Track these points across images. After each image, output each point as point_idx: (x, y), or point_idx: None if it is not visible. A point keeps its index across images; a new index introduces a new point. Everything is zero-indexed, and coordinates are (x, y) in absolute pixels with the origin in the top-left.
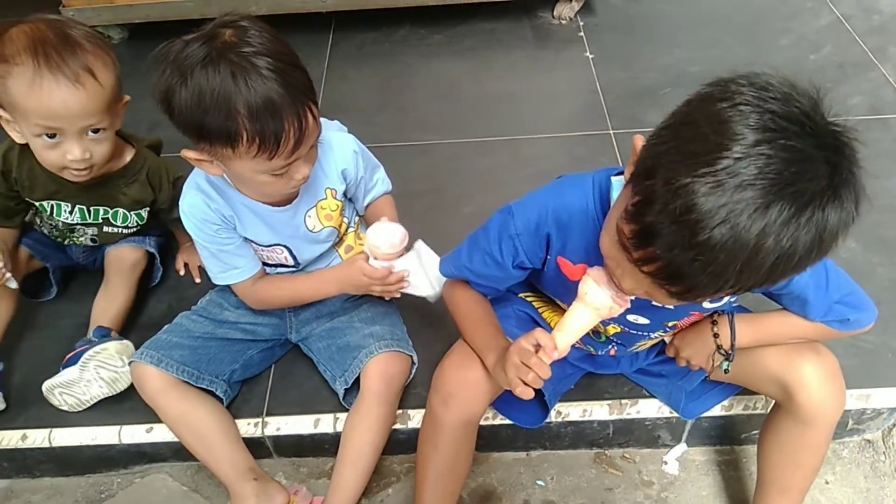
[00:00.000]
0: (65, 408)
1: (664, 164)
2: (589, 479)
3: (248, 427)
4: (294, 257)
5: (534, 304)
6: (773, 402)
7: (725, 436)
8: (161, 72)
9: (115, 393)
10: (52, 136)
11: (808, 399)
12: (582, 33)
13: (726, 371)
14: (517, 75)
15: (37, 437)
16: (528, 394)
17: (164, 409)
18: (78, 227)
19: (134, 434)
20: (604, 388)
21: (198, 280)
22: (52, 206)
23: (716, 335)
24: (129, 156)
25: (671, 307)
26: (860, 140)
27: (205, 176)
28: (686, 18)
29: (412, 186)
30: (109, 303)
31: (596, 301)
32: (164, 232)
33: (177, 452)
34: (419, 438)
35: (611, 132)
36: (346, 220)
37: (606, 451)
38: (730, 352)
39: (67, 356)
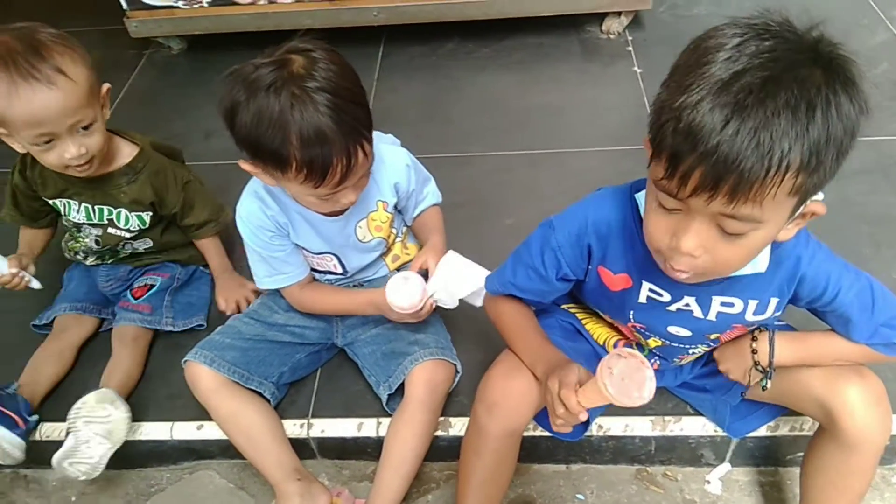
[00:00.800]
0: (83, 477)
1: (665, 96)
2: (629, 495)
3: (293, 428)
4: (342, 265)
5: (577, 315)
6: (818, 423)
7: (770, 456)
8: (230, 88)
9: (117, 446)
10: (48, 140)
11: (851, 424)
12: (630, 48)
13: (764, 388)
14: (564, 89)
15: None
16: (564, 429)
17: (215, 407)
18: (84, 226)
19: (185, 431)
20: (647, 404)
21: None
22: (63, 204)
23: (754, 351)
24: (130, 154)
25: (713, 319)
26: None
27: (262, 183)
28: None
29: (455, 198)
30: (113, 370)
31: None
32: (195, 273)
33: (225, 450)
34: (462, 446)
35: None
36: (394, 230)
37: (648, 468)
38: (767, 369)
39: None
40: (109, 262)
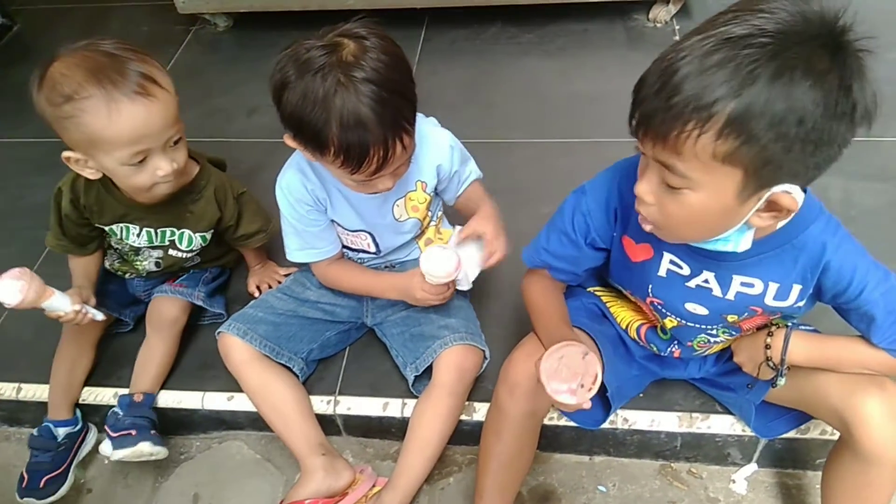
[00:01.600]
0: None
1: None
2: (652, 489)
3: (320, 404)
4: (376, 244)
5: (602, 297)
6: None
7: (799, 459)
8: (283, 65)
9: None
10: (142, 159)
11: (868, 437)
12: (677, 37)
13: (774, 385)
14: (607, 77)
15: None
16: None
17: (246, 379)
18: (144, 249)
19: (215, 401)
20: (674, 400)
21: None
22: (121, 228)
23: (767, 346)
24: (194, 171)
25: (731, 298)
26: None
27: (305, 158)
28: None
29: (493, 184)
30: (147, 361)
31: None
32: (222, 270)
33: (253, 422)
34: (483, 428)
35: None
36: (430, 213)
37: (672, 464)
38: (779, 366)
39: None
40: (145, 275)
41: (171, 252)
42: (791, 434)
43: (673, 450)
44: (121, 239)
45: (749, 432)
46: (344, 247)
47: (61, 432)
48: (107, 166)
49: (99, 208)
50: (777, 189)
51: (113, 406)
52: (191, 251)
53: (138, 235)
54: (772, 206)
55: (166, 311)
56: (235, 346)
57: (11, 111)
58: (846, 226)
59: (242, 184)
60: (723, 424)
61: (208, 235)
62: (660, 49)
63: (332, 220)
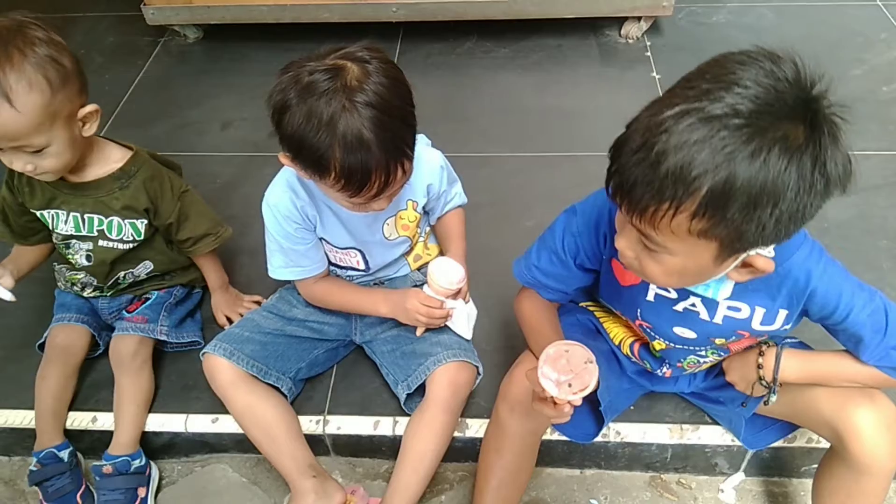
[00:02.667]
0: None
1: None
2: (643, 501)
3: (309, 424)
4: (366, 261)
5: (595, 313)
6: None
7: (785, 467)
8: (284, 87)
9: None
10: None
11: (860, 448)
12: (649, 53)
13: (767, 403)
14: (582, 92)
15: (105, 421)
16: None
17: (233, 400)
18: (73, 241)
19: (200, 423)
20: (664, 412)
21: None
22: (51, 215)
23: (760, 366)
24: (122, 159)
25: (719, 322)
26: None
27: (296, 174)
28: (755, 45)
29: (473, 198)
30: (122, 405)
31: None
32: (189, 291)
33: (238, 444)
34: (482, 445)
35: None
36: (419, 230)
37: (662, 475)
38: (771, 384)
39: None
40: (109, 294)
41: (102, 243)
42: (778, 443)
43: (663, 461)
44: (52, 228)
45: (738, 442)
46: (332, 264)
47: (65, 454)
48: None
49: (30, 189)
50: (752, 252)
51: (91, 431)
52: (122, 240)
53: (65, 222)
54: (747, 265)
55: (125, 347)
56: (221, 367)
57: None
58: (818, 238)
59: (188, 184)
60: (712, 435)
61: (140, 227)
62: (633, 65)
63: (321, 238)
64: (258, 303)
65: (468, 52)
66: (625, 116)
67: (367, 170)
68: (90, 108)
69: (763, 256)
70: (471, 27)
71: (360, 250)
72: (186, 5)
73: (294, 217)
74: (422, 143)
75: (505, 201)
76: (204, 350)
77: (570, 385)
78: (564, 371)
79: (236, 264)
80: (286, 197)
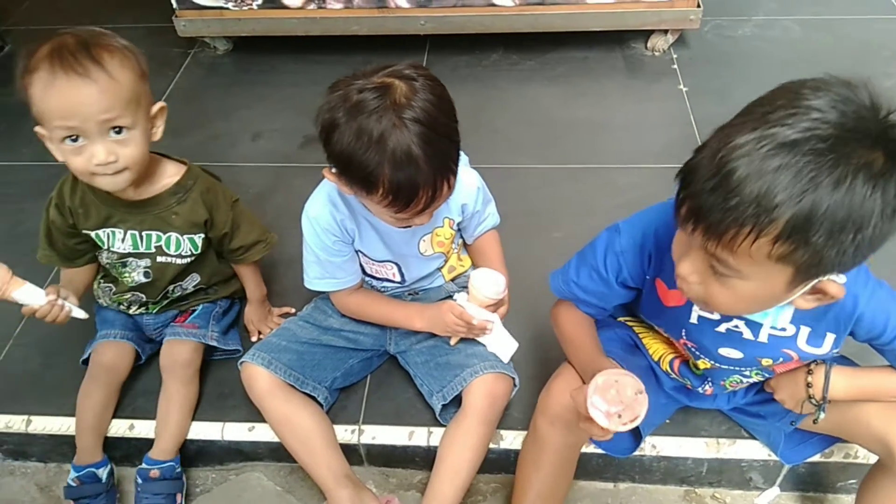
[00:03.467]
0: None
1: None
2: None
3: (344, 433)
4: (402, 274)
5: (634, 328)
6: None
7: (820, 483)
8: (333, 105)
9: None
10: (75, 139)
11: None
12: (675, 66)
13: (815, 422)
14: (609, 104)
15: (143, 429)
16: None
17: (270, 409)
18: (130, 259)
19: (236, 432)
20: (700, 426)
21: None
22: (107, 234)
23: (809, 384)
24: (178, 173)
25: (764, 341)
26: None
27: (335, 188)
28: (781, 58)
29: (503, 209)
30: (169, 410)
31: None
32: (231, 303)
33: (272, 452)
34: (520, 458)
35: None
36: (454, 246)
37: (697, 490)
38: (821, 402)
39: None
40: (154, 311)
41: (160, 259)
42: (815, 458)
43: (698, 475)
44: (108, 247)
45: (774, 457)
46: (367, 275)
47: (103, 473)
48: (54, 142)
49: (84, 210)
50: (825, 278)
51: (128, 439)
52: (180, 255)
53: (123, 241)
54: (817, 291)
55: (179, 354)
56: (260, 376)
57: (5, 134)
58: None
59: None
60: (749, 449)
61: (198, 241)
62: (659, 77)
63: (358, 251)
64: (285, 315)
65: (494, 65)
66: (653, 129)
67: (415, 185)
68: (160, 104)
69: (835, 283)
70: (496, 40)
71: (396, 263)
72: (218, 18)
73: (333, 230)
74: (461, 161)
75: (533, 212)
76: (242, 359)
77: (619, 416)
78: (614, 402)
79: (272, 274)
80: (326, 210)
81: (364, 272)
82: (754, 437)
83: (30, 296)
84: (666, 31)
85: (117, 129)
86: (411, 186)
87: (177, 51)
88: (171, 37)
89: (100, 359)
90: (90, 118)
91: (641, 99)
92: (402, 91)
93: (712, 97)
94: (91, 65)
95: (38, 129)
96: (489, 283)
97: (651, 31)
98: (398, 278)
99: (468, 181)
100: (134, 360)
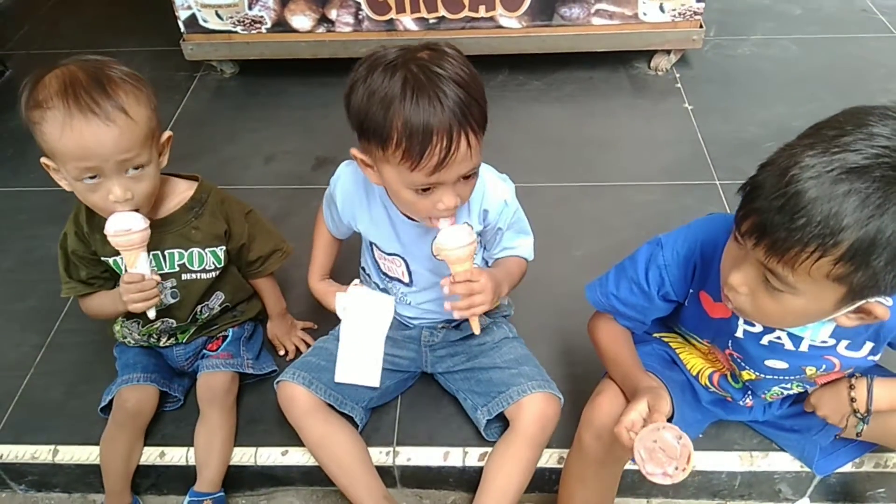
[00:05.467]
0: None
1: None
2: None
3: (379, 455)
4: (410, 275)
5: (671, 344)
6: None
7: (850, 492)
8: (356, 68)
9: None
10: (93, 177)
11: None
12: (679, 85)
13: (858, 434)
14: (617, 123)
15: (174, 456)
16: None
17: (309, 430)
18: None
19: (270, 456)
20: (733, 440)
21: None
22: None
23: (853, 399)
24: (191, 189)
25: (805, 350)
26: None
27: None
28: (782, 76)
29: None
30: (211, 441)
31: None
32: (256, 326)
33: (304, 476)
34: (564, 474)
35: (717, 182)
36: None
37: (728, 503)
38: (865, 415)
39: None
40: (184, 340)
41: (185, 277)
42: (846, 468)
43: (730, 489)
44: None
45: (804, 468)
46: (382, 273)
47: None
48: (68, 178)
49: (101, 236)
50: (873, 300)
51: (157, 466)
52: (204, 270)
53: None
54: (862, 311)
55: (218, 385)
56: (299, 396)
57: (10, 158)
58: None
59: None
60: (781, 461)
61: (220, 253)
62: (664, 96)
63: (372, 244)
64: (307, 329)
65: (501, 85)
66: (662, 146)
67: (429, 129)
68: (167, 133)
69: (882, 305)
70: (502, 60)
71: (405, 260)
72: (226, 41)
73: (346, 193)
74: (491, 169)
75: (552, 231)
76: (280, 379)
77: (676, 468)
78: (666, 462)
79: (291, 294)
80: (351, 176)
81: (379, 269)
82: (785, 451)
83: (145, 264)
84: (669, 51)
85: (135, 167)
86: (425, 130)
87: (182, 74)
88: (177, 60)
89: (123, 404)
90: (109, 159)
91: (648, 117)
92: (426, 53)
93: (717, 115)
94: (108, 104)
95: (45, 161)
96: (450, 235)
97: (654, 51)
98: (406, 279)
99: (495, 189)
100: (159, 401)
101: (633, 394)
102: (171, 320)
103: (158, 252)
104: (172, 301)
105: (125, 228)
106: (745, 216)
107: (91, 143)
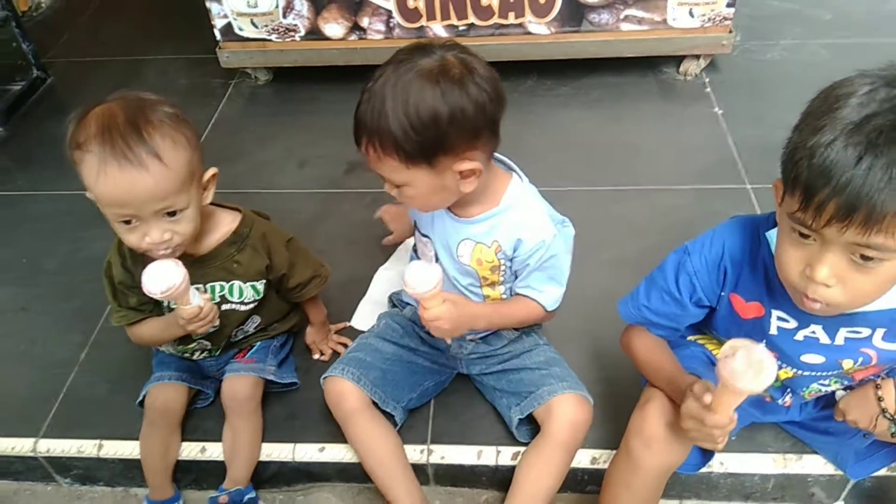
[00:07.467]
0: None
1: (798, 138)
2: None
3: (414, 453)
4: (437, 259)
5: (707, 346)
6: None
7: (885, 496)
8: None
9: None
10: (128, 221)
11: None
12: (709, 89)
13: (893, 435)
14: (646, 127)
15: (214, 451)
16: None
17: (355, 426)
18: None
19: (307, 452)
20: (766, 442)
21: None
22: None
23: (880, 398)
24: (235, 222)
25: (840, 343)
26: None
27: None
28: (812, 81)
29: None
30: (236, 445)
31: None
32: (289, 337)
33: (340, 473)
34: (608, 479)
35: (748, 187)
36: (500, 279)
37: None
38: (894, 416)
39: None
40: (216, 354)
41: (225, 307)
42: (882, 471)
43: (763, 491)
44: (167, 305)
45: (838, 471)
46: (418, 258)
47: None
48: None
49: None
50: None
51: (199, 462)
52: (243, 302)
53: None
54: None
55: (240, 390)
56: (349, 392)
57: (51, 164)
58: None
59: (289, 232)
60: (815, 464)
61: (260, 287)
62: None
63: (416, 221)
64: (341, 331)
65: (530, 90)
66: (693, 151)
67: (357, 119)
68: (212, 171)
69: None
70: (531, 66)
71: (433, 242)
72: (261, 49)
73: None
74: (537, 198)
75: (580, 235)
76: (327, 374)
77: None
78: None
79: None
80: None
81: (416, 255)
82: (818, 454)
83: (195, 296)
84: (698, 56)
85: (171, 213)
86: (356, 118)
87: (218, 81)
88: (212, 67)
89: (153, 402)
90: (144, 207)
91: (678, 122)
92: (448, 60)
93: (748, 120)
94: (142, 150)
95: (89, 195)
96: (416, 276)
97: (683, 56)
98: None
99: (540, 225)
100: (189, 398)
101: (681, 395)
102: (206, 342)
103: (200, 285)
104: (211, 330)
105: (167, 287)
106: (820, 206)
107: (124, 190)
